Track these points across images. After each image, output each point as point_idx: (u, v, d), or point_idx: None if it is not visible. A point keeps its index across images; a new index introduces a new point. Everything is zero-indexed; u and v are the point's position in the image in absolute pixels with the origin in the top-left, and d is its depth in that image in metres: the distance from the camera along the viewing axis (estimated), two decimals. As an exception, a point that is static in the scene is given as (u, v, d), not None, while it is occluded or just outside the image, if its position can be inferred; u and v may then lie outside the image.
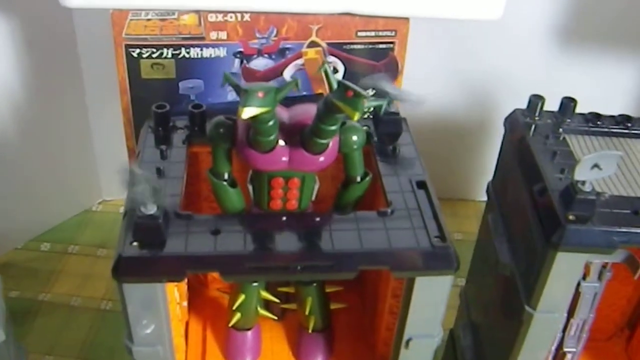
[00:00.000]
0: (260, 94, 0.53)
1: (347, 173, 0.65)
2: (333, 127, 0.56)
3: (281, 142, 0.59)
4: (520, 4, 1.04)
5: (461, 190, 1.28)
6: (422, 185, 0.63)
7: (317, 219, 0.59)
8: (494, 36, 1.10)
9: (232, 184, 0.64)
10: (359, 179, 0.65)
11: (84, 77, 1.11)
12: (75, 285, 1.09)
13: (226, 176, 0.63)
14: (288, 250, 0.55)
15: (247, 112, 0.53)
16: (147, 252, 0.54)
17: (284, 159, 0.59)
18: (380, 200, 0.63)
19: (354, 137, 0.61)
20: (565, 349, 0.79)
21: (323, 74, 0.55)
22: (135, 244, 0.55)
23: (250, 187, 0.63)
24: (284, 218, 0.59)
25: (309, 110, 0.58)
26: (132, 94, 0.82)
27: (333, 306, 0.73)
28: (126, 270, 0.55)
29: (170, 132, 0.68)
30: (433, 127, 1.19)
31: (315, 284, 0.69)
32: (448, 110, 1.19)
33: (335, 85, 0.54)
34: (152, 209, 0.55)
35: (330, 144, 0.59)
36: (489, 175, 0.85)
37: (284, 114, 0.60)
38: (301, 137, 0.58)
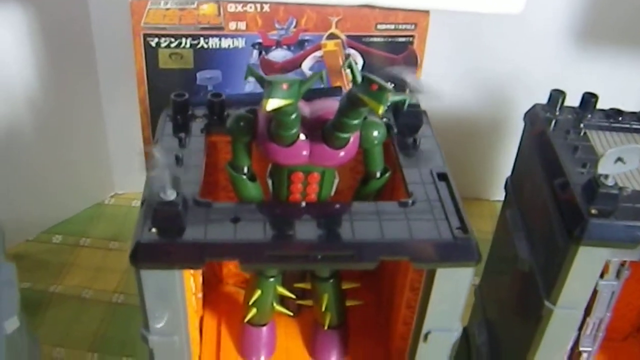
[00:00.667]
0: (284, 86, 0.52)
1: (367, 168, 0.64)
2: (356, 122, 0.56)
3: (302, 137, 0.58)
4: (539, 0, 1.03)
5: (476, 189, 1.27)
6: (443, 177, 0.62)
7: (338, 208, 0.58)
8: (512, 32, 1.09)
9: (252, 177, 0.63)
10: (378, 174, 0.64)
11: (99, 68, 1.11)
12: (87, 278, 1.09)
13: (245, 170, 0.63)
14: (308, 239, 0.55)
15: (272, 104, 0.52)
16: (165, 238, 0.54)
17: (304, 153, 0.58)
18: (401, 192, 0.62)
19: (375, 133, 0.61)
20: (581, 348, 0.78)
21: (348, 69, 0.54)
22: (153, 230, 0.54)
23: (269, 181, 0.63)
24: (304, 207, 0.58)
25: (330, 105, 0.58)
26: (150, 84, 0.82)
27: (349, 303, 0.72)
28: (144, 256, 0.54)
29: (188, 121, 0.67)
30: (447, 125, 1.18)
31: (332, 280, 0.69)
32: (464, 107, 1.18)
33: (359, 79, 0.54)
34: (171, 195, 0.54)
35: (351, 139, 0.59)
36: (504, 175, 0.84)
37: (305, 108, 0.60)
38: (323, 131, 0.58)
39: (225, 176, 0.72)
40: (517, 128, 0.81)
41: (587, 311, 0.71)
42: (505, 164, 0.98)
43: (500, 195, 1.11)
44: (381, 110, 0.52)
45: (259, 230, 0.55)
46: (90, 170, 1.21)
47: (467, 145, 1.22)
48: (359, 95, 0.53)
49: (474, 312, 0.91)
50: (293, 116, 0.55)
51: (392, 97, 0.54)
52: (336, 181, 0.63)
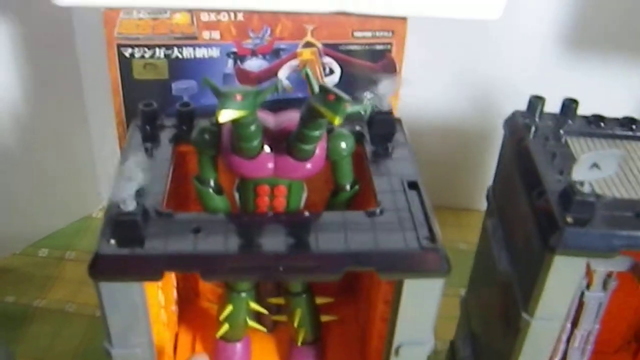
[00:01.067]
0: (238, 97, 0.51)
1: (335, 181, 0.63)
2: (316, 133, 0.55)
3: (266, 149, 0.57)
4: (522, 3, 1.02)
5: (465, 199, 1.25)
6: (413, 185, 0.61)
7: (303, 218, 0.57)
8: (495, 38, 1.08)
9: (218, 191, 0.62)
10: (348, 187, 0.63)
11: (83, 80, 1.10)
12: (70, 291, 1.08)
13: (212, 183, 0.62)
14: (271, 250, 0.53)
15: (224, 115, 0.51)
16: (124, 250, 0.53)
17: (269, 165, 0.57)
18: (372, 202, 0.61)
19: (343, 145, 0.60)
20: (569, 361, 0.77)
21: (304, 77, 0.53)
22: (113, 241, 0.53)
23: (236, 195, 0.62)
24: (268, 217, 0.57)
25: (295, 116, 0.57)
26: (125, 95, 0.81)
27: (324, 318, 0.71)
28: (103, 268, 0.53)
29: (157, 131, 0.66)
30: (434, 134, 1.17)
31: (304, 295, 0.67)
32: (449, 115, 1.17)
33: (316, 89, 0.52)
34: (130, 206, 0.53)
35: (318, 151, 0.58)
36: (489, 184, 0.83)
37: (270, 119, 0.59)
38: (287, 143, 0.57)
39: (193, 187, 0.71)
40: (501, 136, 0.80)
41: (575, 323, 0.70)
42: (491, 172, 0.96)
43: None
44: (337, 121, 0.51)
45: (220, 241, 0.53)
46: (78, 183, 1.20)
47: (454, 155, 1.20)
48: (315, 106, 0.52)
49: (460, 325, 0.90)
50: (252, 128, 0.54)
51: (352, 108, 0.52)
52: (304, 194, 0.62)
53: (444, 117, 1.17)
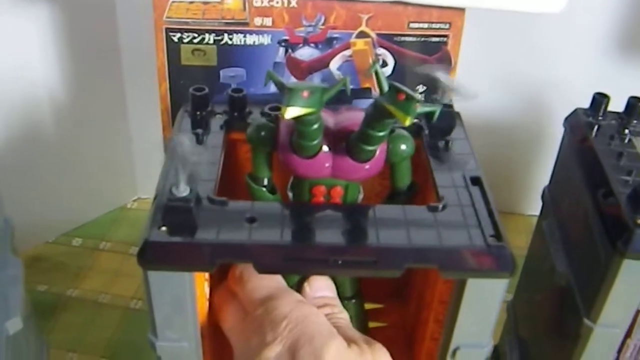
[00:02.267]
0: (305, 94, 0.48)
1: (393, 184, 0.60)
2: (382, 133, 0.52)
3: (325, 148, 0.54)
4: (580, 1, 0.99)
5: (509, 202, 1.22)
6: (476, 181, 0.58)
7: (362, 211, 0.54)
8: (552, 35, 1.04)
9: (272, 190, 0.60)
10: (406, 189, 0.60)
11: (123, 66, 1.08)
12: (104, 282, 1.06)
13: (265, 182, 0.59)
14: (328, 243, 0.50)
15: (291, 112, 0.48)
16: (176, 237, 0.50)
17: (327, 165, 0.55)
18: (431, 197, 0.58)
19: (403, 147, 0.57)
20: (620, 372, 0.74)
21: (374, 75, 0.51)
22: (163, 228, 0.51)
23: (290, 194, 0.59)
24: (326, 209, 0.54)
25: (356, 116, 0.54)
26: (171, 82, 0.79)
27: (372, 324, 0.68)
28: (152, 256, 0.50)
29: (208, 117, 0.64)
30: (479, 134, 1.13)
31: (354, 300, 0.65)
32: (496, 115, 1.14)
33: (386, 87, 0.50)
34: (184, 191, 0.51)
35: (377, 153, 0.55)
36: (539, 187, 0.80)
37: (329, 118, 0.56)
38: (347, 143, 0.54)
39: (245, 178, 0.68)
40: (553, 138, 0.77)
41: (629, 332, 0.67)
42: (540, 175, 0.93)
43: (535, 209, 1.06)
44: (408, 122, 0.48)
45: (275, 232, 0.51)
46: (114, 173, 1.19)
47: (500, 156, 1.16)
48: (384, 105, 0.49)
49: (506, 329, 0.87)
50: (315, 126, 0.52)
51: (421, 108, 0.49)
52: (361, 196, 0.59)
53: (489, 116, 1.13)
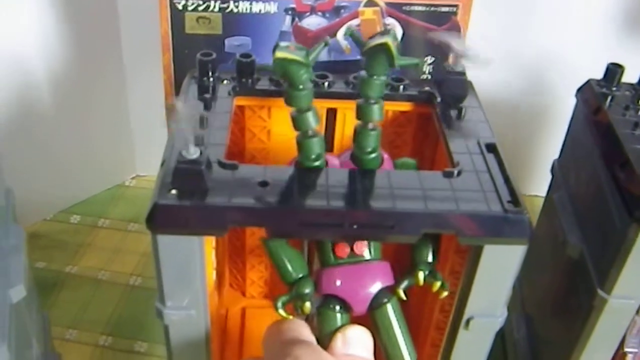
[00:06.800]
0: (291, 47, 0.50)
1: None
2: (380, 79, 0.52)
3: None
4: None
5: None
6: (492, 148, 0.57)
7: (377, 176, 0.53)
8: (565, 11, 1.03)
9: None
10: None
11: (123, 38, 1.06)
12: (104, 259, 1.04)
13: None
14: (343, 207, 0.49)
15: (279, 55, 0.49)
16: (186, 201, 0.49)
17: None
18: (444, 164, 0.57)
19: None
20: (626, 349, 0.73)
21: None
22: (173, 191, 0.49)
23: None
24: (341, 175, 0.53)
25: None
26: (175, 51, 0.77)
27: None
28: (162, 220, 0.49)
29: (215, 83, 0.62)
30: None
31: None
32: (501, 94, 1.12)
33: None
34: (194, 154, 0.49)
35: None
36: (543, 167, 0.79)
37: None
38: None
39: (252, 145, 0.67)
40: (558, 117, 0.76)
41: (637, 309, 0.66)
42: (544, 155, 0.91)
43: (538, 190, 1.05)
44: (390, 41, 0.49)
45: (289, 196, 0.50)
46: (112, 150, 1.17)
47: (502, 136, 1.15)
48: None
49: (512, 304, 0.86)
50: (302, 71, 0.51)
51: (400, 61, 0.50)
52: None
53: (493, 95, 1.12)
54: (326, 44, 0.52)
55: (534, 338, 0.79)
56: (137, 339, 0.92)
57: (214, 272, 0.60)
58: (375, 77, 0.52)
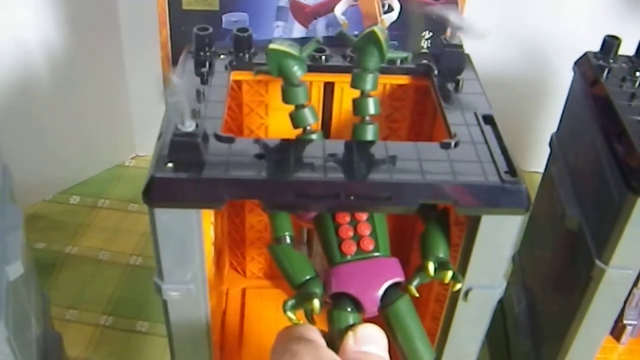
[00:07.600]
0: (285, 43, 0.53)
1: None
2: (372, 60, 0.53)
3: None
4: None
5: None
6: (489, 120, 0.57)
7: (374, 148, 0.53)
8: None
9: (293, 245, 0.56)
10: None
11: (120, 17, 1.06)
12: (103, 240, 1.05)
13: (288, 240, 0.56)
14: (340, 178, 0.49)
15: (273, 46, 0.51)
16: (182, 174, 0.49)
17: None
18: (442, 135, 0.57)
19: None
20: (625, 322, 0.74)
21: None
22: (170, 165, 0.49)
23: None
24: (337, 145, 0.53)
25: None
26: (172, 28, 0.77)
27: None
28: (159, 193, 0.49)
29: (212, 57, 0.62)
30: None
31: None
32: (498, 70, 1.12)
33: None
34: (190, 126, 0.49)
35: None
36: (540, 143, 0.79)
37: None
38: None
39: (249, 120, 0.67)
40: (555, 94, 0.76)
41: (635, 281, 0.66)
42: (541, 130, 0.92)
43: (535, 166, 1.05)
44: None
45: (285, 168, 0.50)
46: (111, 130, 1.17)
47: (500, 112, 1.15)
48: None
49: (512, 278, 0.86)
50: (296, 67, 0.53)
51: (392, 54, 0.54)
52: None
53: (489, 71, 1.11)
54: (318, 42, 0.55)
55: (534, 311, 0.79)
56: (138, 319, 0.93)
57: (212, 247, 0.60)
58: (367, 71, 0.53)
